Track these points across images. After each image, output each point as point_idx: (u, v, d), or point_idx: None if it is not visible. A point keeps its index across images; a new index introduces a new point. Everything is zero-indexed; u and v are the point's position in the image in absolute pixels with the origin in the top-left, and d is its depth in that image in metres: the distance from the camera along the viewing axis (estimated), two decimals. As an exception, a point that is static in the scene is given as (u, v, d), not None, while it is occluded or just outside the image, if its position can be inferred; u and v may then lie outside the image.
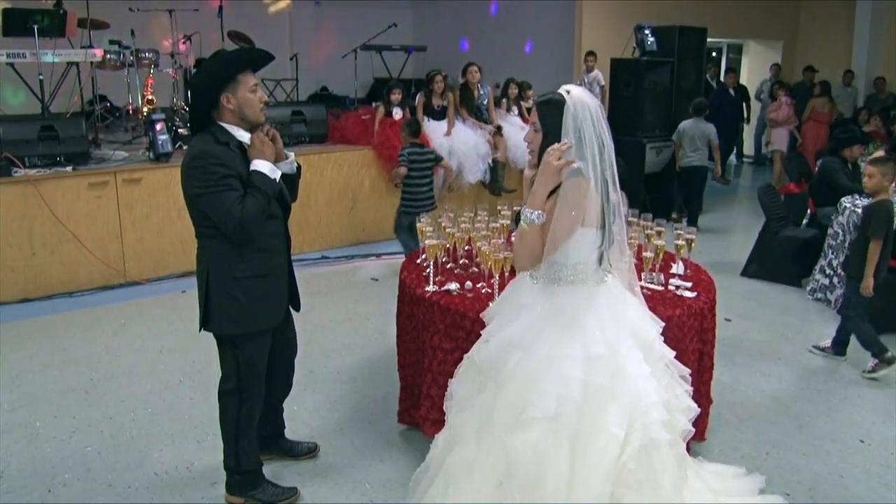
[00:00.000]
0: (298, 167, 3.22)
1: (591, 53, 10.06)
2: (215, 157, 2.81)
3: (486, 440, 2.51)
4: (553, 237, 2.46)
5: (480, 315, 2.90)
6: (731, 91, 11.79)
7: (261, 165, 2.88)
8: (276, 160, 3.00)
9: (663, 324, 2.77)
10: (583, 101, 2.47)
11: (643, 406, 2.49)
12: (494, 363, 2.56)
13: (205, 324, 3.04)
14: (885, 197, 4.64)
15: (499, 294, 3.06)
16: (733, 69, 13.21)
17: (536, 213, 2.46)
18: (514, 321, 2.57)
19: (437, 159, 6.63)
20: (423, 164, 6.43)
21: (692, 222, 8.07)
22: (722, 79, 12.73)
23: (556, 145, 2.44)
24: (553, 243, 2.47)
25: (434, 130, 7.96)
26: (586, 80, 10.06)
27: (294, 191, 3.24)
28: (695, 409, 2.68)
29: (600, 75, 10.00)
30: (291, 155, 3.14)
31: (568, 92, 2.48)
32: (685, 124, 8.46)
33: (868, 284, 4.47)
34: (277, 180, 2.94)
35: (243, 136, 2.95)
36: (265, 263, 3.01)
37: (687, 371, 2.71)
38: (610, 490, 2.41)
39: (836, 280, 5.81)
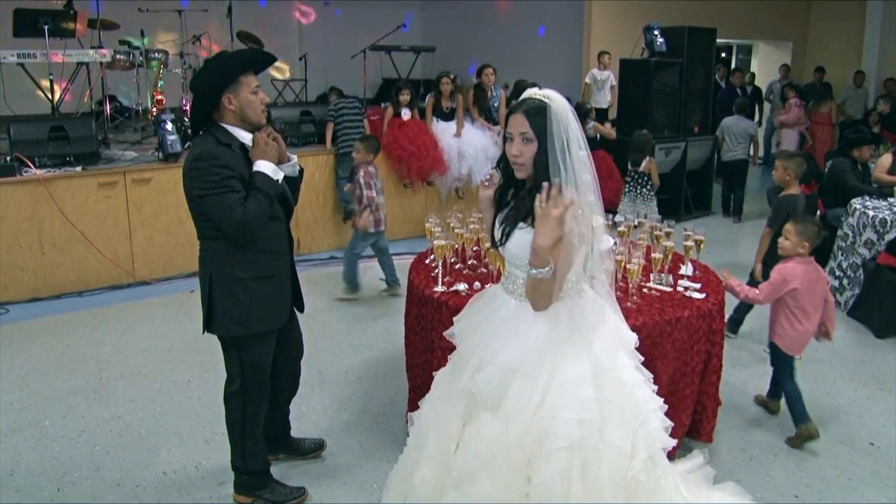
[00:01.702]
0: (301, 170, 3.21)
1: (605, 53, 10.05)
2: (217, 159, 2.81)
3: (503, 475, 2.40)
4: (560, 269, 2.33)
5: (444, 334, 2.76)
6: (739, 91, 11.74)
7: (263, 166, 2.88)
8: (279, 162, 3.00)
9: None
10: (564, 105, 2.39)
11: (644, 414, 2.46)
12: (494, 392, 2.41)
13: (208, 326, 3.04)
14: (793, 192, 4.89)
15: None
16: (740, 69, 13.15)
17: (545, 270, 2.27)
18: (508, 345, 2.42)
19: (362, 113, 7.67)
20: (351, 114, 7.44)
21: (738, 211, 9.16)
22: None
23: (551, 196, 2.23)
24: (562, 276, 2.35)
25: (443, 131, 7.98)
26: (599, 78, 10.03)
27: (296, 193, 3.23)
28: (664, 407, 2.62)
29: (612, 76, 9.97)
30: (294, 157, 3.14)
31: (547, 97, 2.38)
32: (728, 121, 9.16)
33: (756, 269, 4.78)
34: (280, 181, 2.94)
35: (245, 137, 2.94)
36: (267, 265, 3.00)
37: (650, 375, 2.64)
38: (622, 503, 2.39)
39: (845, 282, 5.78)
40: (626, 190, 7.21)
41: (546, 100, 2.38)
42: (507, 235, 2.47)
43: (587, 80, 9.95)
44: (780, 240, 3.87)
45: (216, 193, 2.79)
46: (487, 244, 3.48)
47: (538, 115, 2.35)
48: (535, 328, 2.42)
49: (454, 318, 2.74)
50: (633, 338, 2.63)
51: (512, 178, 2.50)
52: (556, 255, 2.29)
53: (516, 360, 2.40)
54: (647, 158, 7.04)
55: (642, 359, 2.65)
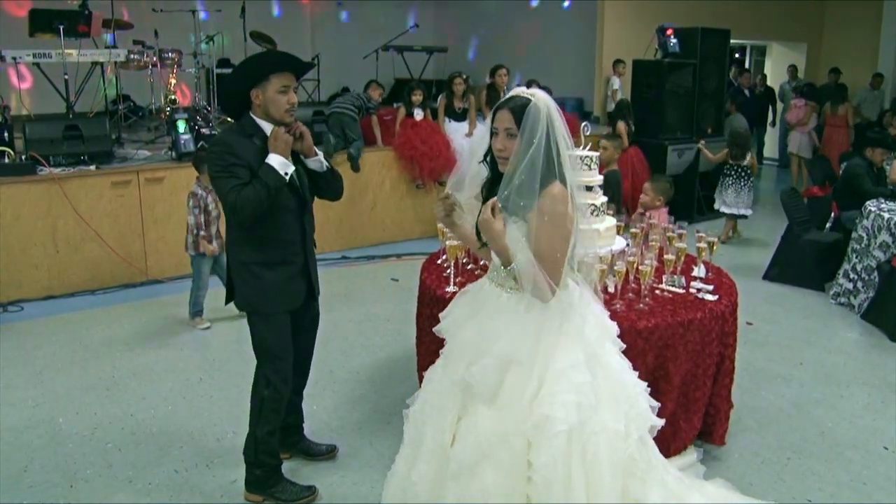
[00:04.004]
0: (329, 167, 3.27)
1: (621, 61, 10.16)
2: (227, 146, 3.02)
3: (504, 463, 2.43)
4: (554, 259, 2.38)
5: (433, 329, 2.80)
6: (747, 92, 11.70)
7: (272, 159, 3.00)
8: (305, 157, 3.17)
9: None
10: (549, 103, 2.43)
11: (632, 397, 2.55)
12: (490, 383, 2.45)
13: (228, 298, 3.31)
14: (613, 168, 5.76)
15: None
16: (748, 70, 13.10)
17: (513, 265, 2.41)
18: (502, 336, 2.46)
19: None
20: (344, 101, 7.68)
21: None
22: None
23: (489, 204, 2.44)
24: (556, 265, 2.39)
25: (455, 132, 7.99)
26: (613, 87, 10.20)
27: (330, 188, 3.32)
28: (648, 389, 2.68)
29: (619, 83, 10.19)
30: (320, 154, 3.24)
31: (533, 95, 2.44)
32: (743, 120, 9.97)
33: None
34: (287, 175, 3.02)
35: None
36: (275, 252, 3.12)
37: (629, 364, 2.68)
38: (621, 484, 2.46)
39: (860, 284, 5.74)
40: (730, 182, 7.82)
41: (532, 98, 2.43)
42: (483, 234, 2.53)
43: (615, 86, 10.13)
44: (641, 196, 5.07)
45: (220, 177, 2.99)
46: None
47: (523, 112, 2.42)
48: (527, 318, 2.47)
49: (440, 315, 2.79)
50: (614, 327, 2.71)
51: (498, 173, 2.57)
52: (539, 239, 2.38)
53: (511, 351, 2.45)
54: (749, 153, 7.74)
55: (624, 346, 2.72)
